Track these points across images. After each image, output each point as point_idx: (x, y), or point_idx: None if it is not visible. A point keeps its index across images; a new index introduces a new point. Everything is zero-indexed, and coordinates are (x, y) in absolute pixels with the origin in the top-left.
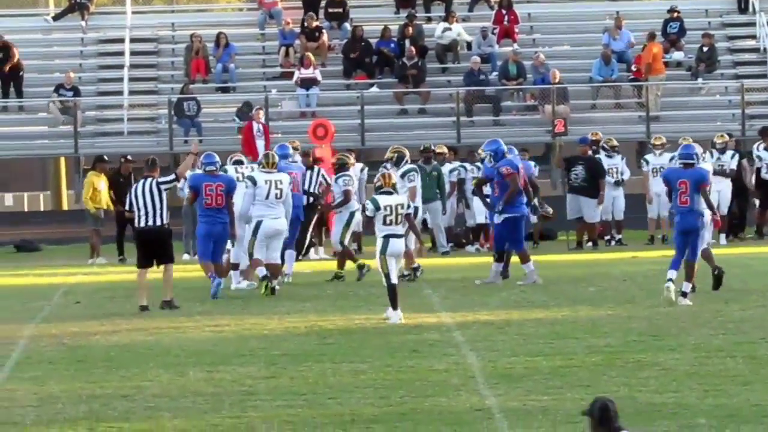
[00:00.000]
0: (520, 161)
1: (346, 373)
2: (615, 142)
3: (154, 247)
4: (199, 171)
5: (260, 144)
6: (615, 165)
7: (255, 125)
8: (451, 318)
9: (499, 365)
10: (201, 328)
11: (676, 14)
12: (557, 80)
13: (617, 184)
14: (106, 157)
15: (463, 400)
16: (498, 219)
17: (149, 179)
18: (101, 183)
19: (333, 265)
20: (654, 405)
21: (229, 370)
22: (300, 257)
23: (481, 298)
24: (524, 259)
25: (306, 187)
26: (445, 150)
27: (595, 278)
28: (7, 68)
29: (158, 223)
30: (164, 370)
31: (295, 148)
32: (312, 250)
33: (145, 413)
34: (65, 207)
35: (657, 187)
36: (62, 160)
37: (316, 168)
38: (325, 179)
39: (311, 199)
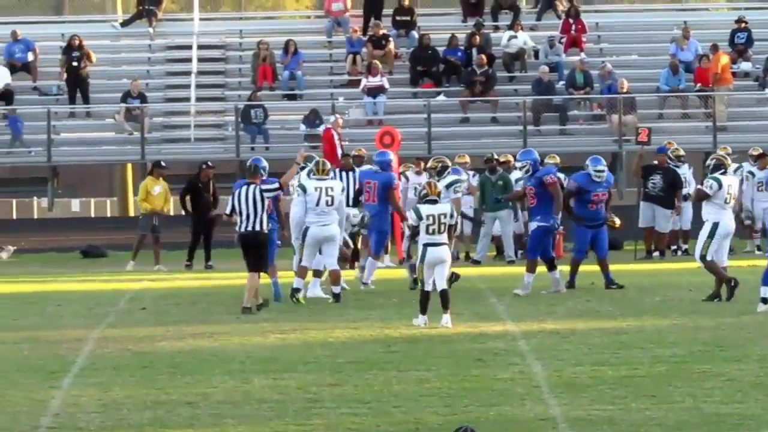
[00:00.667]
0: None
1: (411, 381)
2: (681, 152)
3: (252, 252)
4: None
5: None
6: (682, 175)
7: (334, 133)
8: (516, 327)
9: (564, 374)
10: (266, 335)
11: (744, 24)
12: (625, 90)
13: (684, 198)
14: (163, 163)
15: (527, 410)
16: (532, 226)
17: (252, 185)
18: (157, 187)
19: (398, 272)
20: (719, 416)
21: (294, 377)
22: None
23: (546, 307)
24: (529, 269)
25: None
26: (511, 159)
27: (660, 288)
28: (84, 71)
29: (257, 228)
30: (229, 376)
31: (359, 156)
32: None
33: (209, 420)
34: (131, 213)
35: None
36: (129, 166)
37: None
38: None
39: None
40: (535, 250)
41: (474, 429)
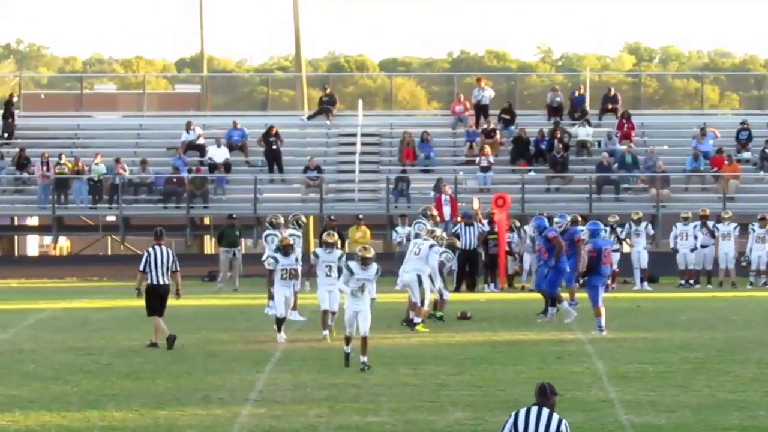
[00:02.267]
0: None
1: (510, 372)
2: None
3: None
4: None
5: (446, 210)
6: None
7: (443, 196)
8: (584, 335)
9: (619, 369)
10: (408, 338)
11: (745, 126)
12: (661, 170)
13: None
14: (360, 216)
15: (593, 394)
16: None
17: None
18: (358, 233)
19: (501, 296)
20: (728, 401)
21: (428, 368)
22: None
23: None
24: (558, 300)
25: (469, 239)
26: (579, 218)
27: (687, 310)
28: (279, 150)
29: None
30: (382, 366)
31: (469, 215)
32: (485, 285)
33: (369, 397)
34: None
35: (725, 247)
36: (311, 218)
37: (475, 225)
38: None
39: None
40: (554, 285)
41: (551, 384)
